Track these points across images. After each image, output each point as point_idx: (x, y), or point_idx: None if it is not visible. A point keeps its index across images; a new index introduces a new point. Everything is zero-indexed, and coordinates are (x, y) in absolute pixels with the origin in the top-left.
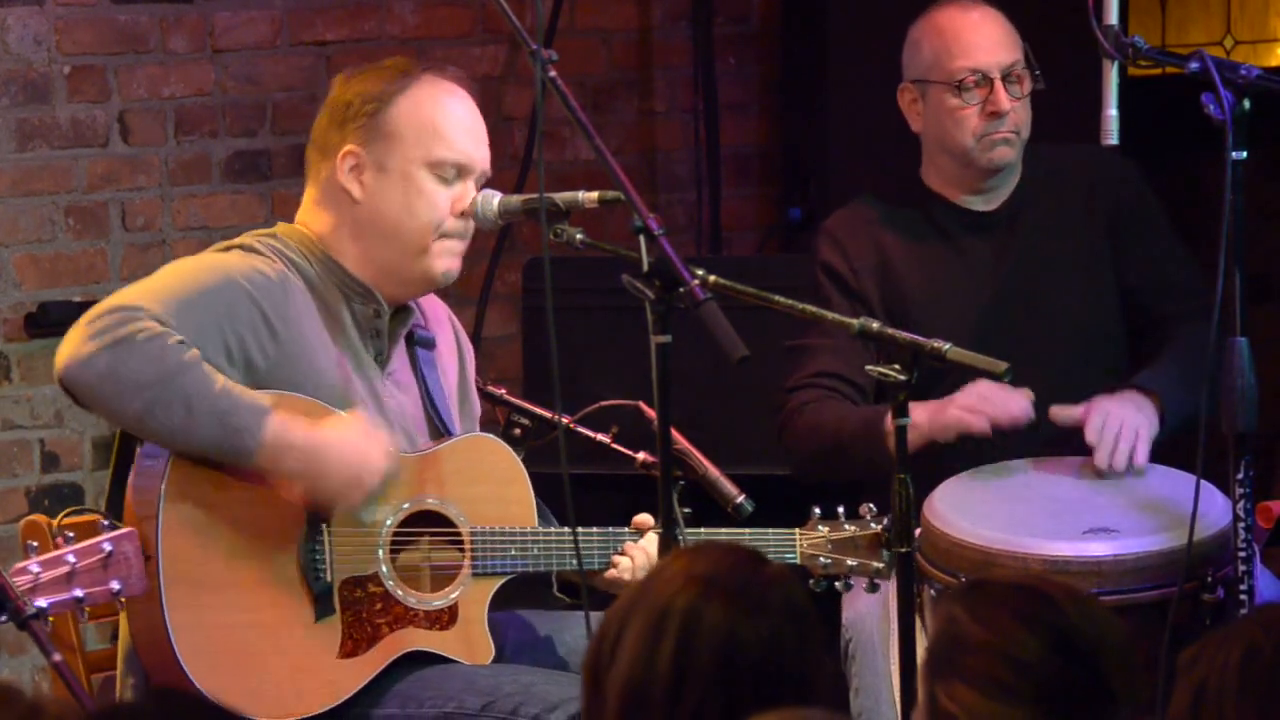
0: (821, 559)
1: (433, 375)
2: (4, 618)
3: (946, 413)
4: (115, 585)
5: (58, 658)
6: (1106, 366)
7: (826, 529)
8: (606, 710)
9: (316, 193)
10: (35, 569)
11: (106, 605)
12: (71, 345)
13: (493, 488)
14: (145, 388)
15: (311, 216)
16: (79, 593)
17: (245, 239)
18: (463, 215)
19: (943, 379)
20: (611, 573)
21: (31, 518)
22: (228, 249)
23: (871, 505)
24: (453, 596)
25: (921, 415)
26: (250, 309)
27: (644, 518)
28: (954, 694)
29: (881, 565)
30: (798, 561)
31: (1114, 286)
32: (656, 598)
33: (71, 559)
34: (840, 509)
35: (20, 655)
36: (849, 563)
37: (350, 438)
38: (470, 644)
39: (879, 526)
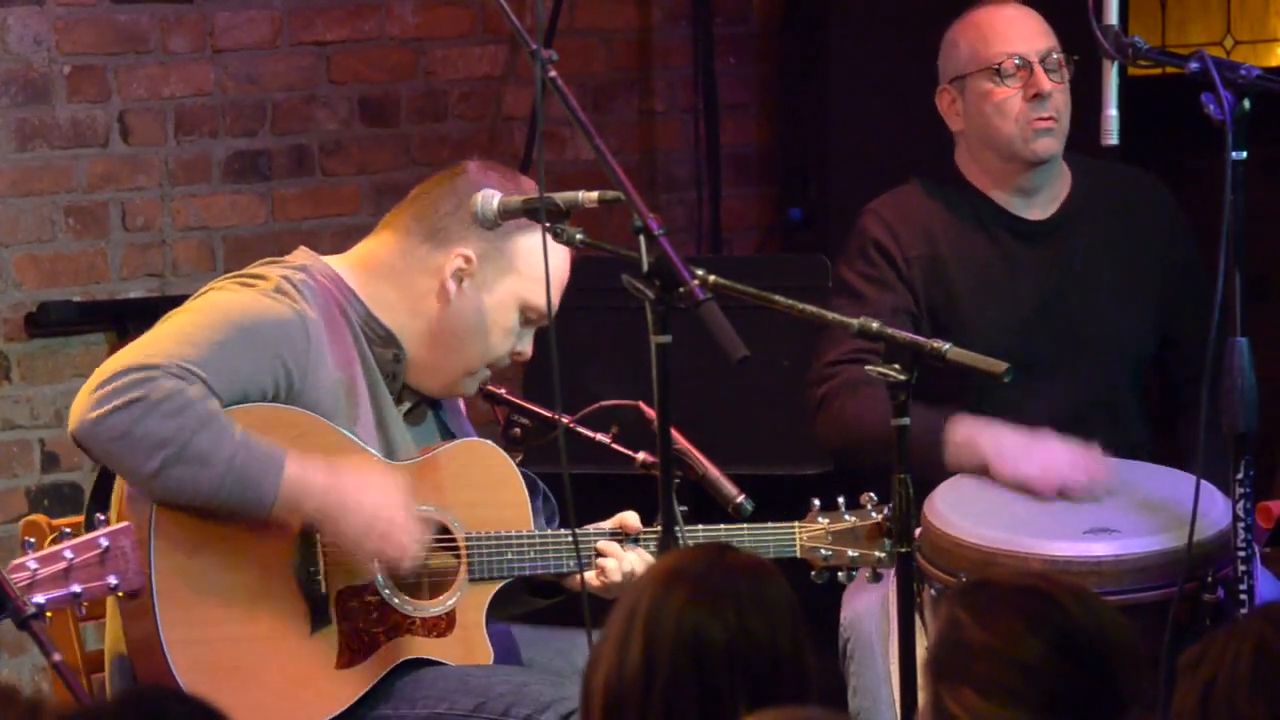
0: (822, 551)
1: (450, 403)
2: (3, 617)
3: (1021, 471)
4: (112, 580)
5: (58, 657)
6: (1135, 391)
7: (826, 521)
8: (593, 716)
9: (401, 260)
10: (32, 565)
11: (105, 603)
12: (83, 406)
13: (487, 492)
14: (161, 446)
15: (367, 271)
16: (76, 588)
17: (267, 271)
18: (516, 358)
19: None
20: (588, 577)
21: (31, 517)
22: (245, 283)
23: (873, 495)
24: (450, 603)
25: (990, 451)
26: (270, 358)
27: (630, 521)
28: (961, 699)
29: (883, 555)
30: (798, 555)
31: (1154, 321)
32: (627, 599)
33: (69, 555)
34: (840, 499)
35: (20, 655)
36: (850, 554)
37: (370, 482)
38: (469, 649)
39: (879, 516)
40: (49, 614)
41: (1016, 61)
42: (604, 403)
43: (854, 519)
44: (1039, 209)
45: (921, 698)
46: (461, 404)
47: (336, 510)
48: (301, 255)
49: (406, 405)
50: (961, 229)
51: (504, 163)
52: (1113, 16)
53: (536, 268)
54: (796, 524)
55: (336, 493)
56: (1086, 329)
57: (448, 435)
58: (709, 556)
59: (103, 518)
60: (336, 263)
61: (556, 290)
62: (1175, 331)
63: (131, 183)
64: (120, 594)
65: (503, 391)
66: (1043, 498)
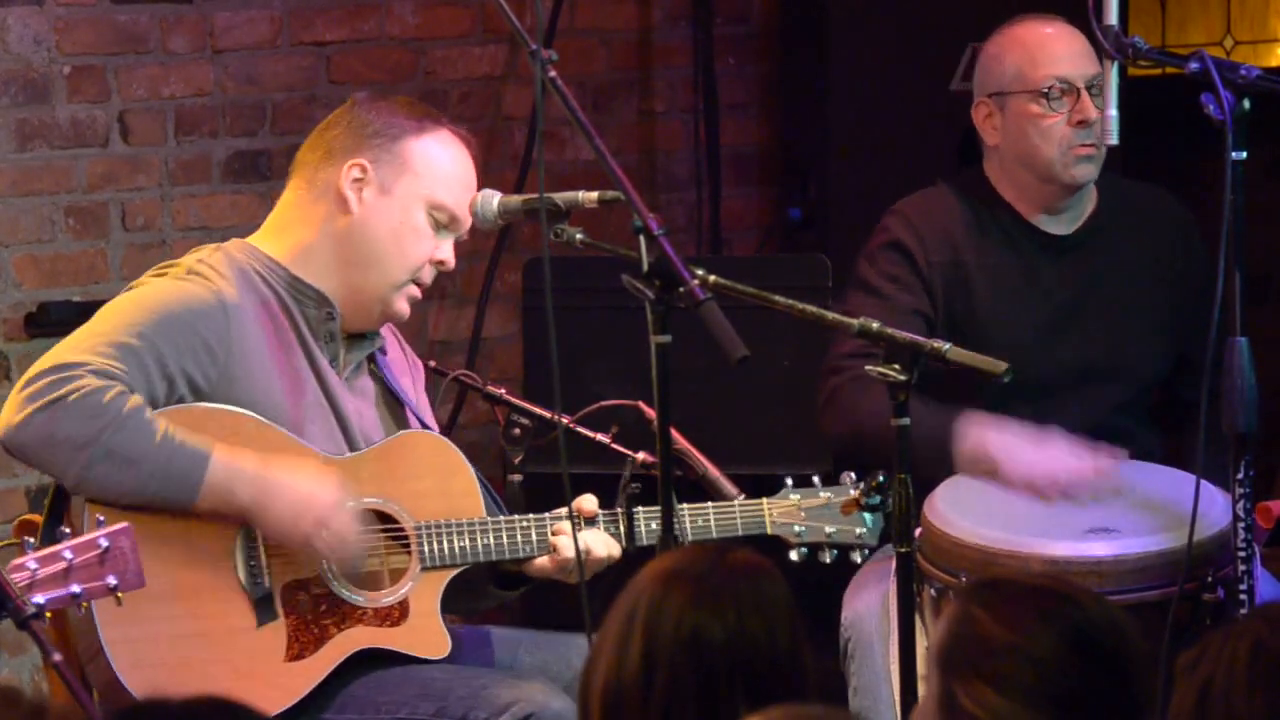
0: (795, 527)
1: (390, 375)
2: (3, 616)
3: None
4: (112, 580)
5: (58, 658)
6: (1148, 406)
7: (798, 497)
8: (592, 717)
9: (304, 194)
10: (32, 565)
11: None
12: (9, 411)
13: (436, 481)
14: (83, 447)
15: (279, 228)
16: (76, 588)
17: (186, 259)
18: (439, 266)
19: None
20: (541, 560)
21: (26, 517)
22: (162, 273)
23: (851, 474)
24: (401, 592)
25: (1000, 455)
26: (190, 337)
27: (586, 505)
28: (976, 695)
29: (864, 530)
30: (768, 532)
31: (1170, 340)
32: (626, 599)
33: (68, 555)
34: (815, 477)
35: (20, 655)
36: (827, 529)
37: (301, 471)
38: (423, 638)
39: (856, 491)
40: (49, 614)
41: (1063, 86)
42: (604, 403)
43: (828, 494)
44: (1064, 224)
45: (923, 691)
46: (403, 356)
47: (265, 498)
48: (229, 243)
49: (349, 370)
50: (986, 238)
51: (504, 162)
52: (1113, 16)
53: (434, 167)
54: (765, 500)
55: (264, 481)
56: (1104, 345)
57: (391, 398)
58: (708, 557)
59: (101, 518)
60: (254, 238)
61: (465, 192)
62: (1188, 351)
63: (131, 183)
64: (119, 594)
65: (503, 391)
66: (1044, 498)
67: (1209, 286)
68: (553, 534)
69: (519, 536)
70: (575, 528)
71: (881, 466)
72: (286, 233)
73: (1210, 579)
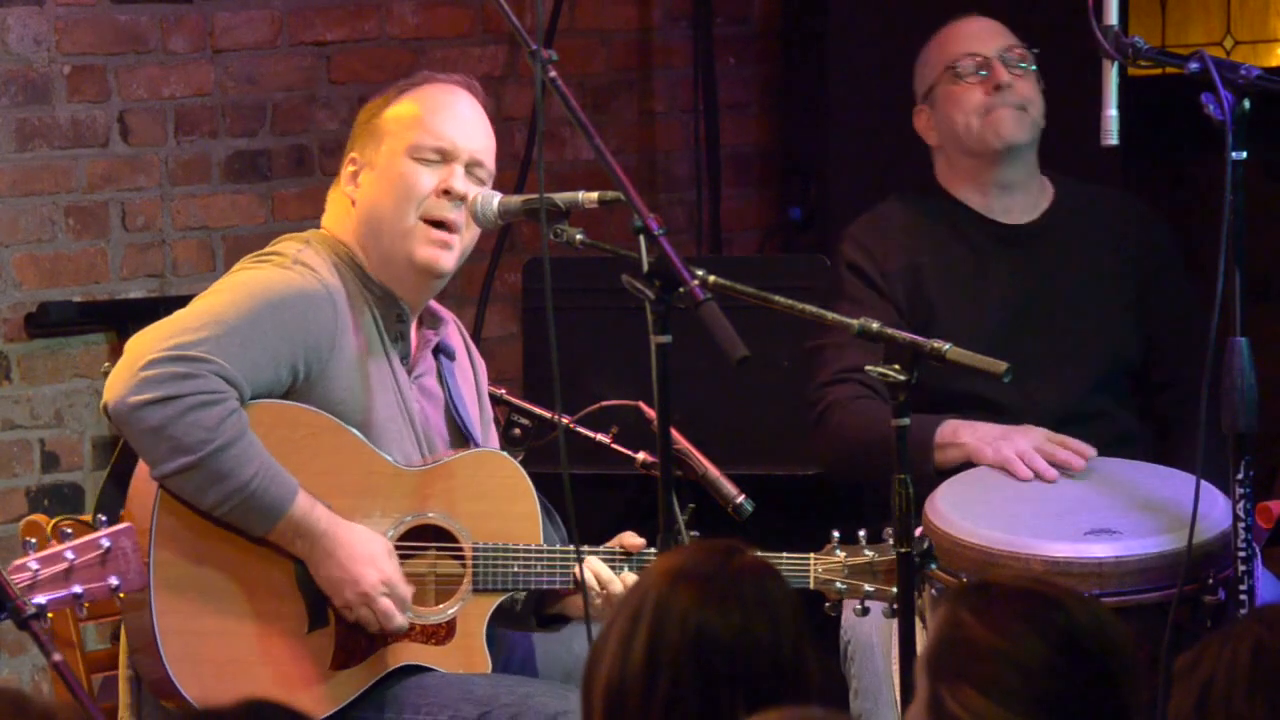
0: (837, 584)
1: (455, 385)
2: (4, 617)
3: (1001, 453)
4: (114, 581)
5: (58, 658)
6: (1117, 395)
7: (843, 554)
8: (594, 714)
9: (334, 196)
10: (34, 566)
11: (105, 603)
12: (127, 383)
13: (499, 504)
14: (183, 453)
15: (334, 222)
16: (78, 589)
17: (286, 247)
18: (447, 195)
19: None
20: (576, 598)
21: (31, 518)
22: (264, 260)
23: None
24: (450, 612)
25: (970, 439)
26: (302, 334)
27: (629, 541)
28: (962, 698)
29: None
30: (810, 587)
31: (1134, 327)
32: (633, 596)
33: (70, 555)
34: (862, 532)
35: (20, 655)
36: (866, 588)
37: (357, 554)
38: (466, 659)
39: None
40: (50, 614)
41: (977, 59)
42: (604, 403)
43: (873, 554)
44: (1018, 214)
45: (917, 694)
46: (470, 373)
47: (326, 559)
48: (310, 233)
49: (418, 370)
50: (941, 237)
51: (504, 162)
52: (1113, 16)
53: (406, 120)
54: (812, 555)
55: (329, 542)
56: (1069, 328)
57: (452, 405)
58: (715, 557)
59: (104, 519)
60: (329, 228)
61: (450, 123)
62: (1155, 333)
63: (131, 183)
64: (121, 595)
65: (503, 392)
66: (1040, 498)
67: (1174, 269)
68: (590, 570)
69: (571, 568)
70: (580, 564)
71: (873, 483)
72: (338, 232)
73: (1211, 581)
